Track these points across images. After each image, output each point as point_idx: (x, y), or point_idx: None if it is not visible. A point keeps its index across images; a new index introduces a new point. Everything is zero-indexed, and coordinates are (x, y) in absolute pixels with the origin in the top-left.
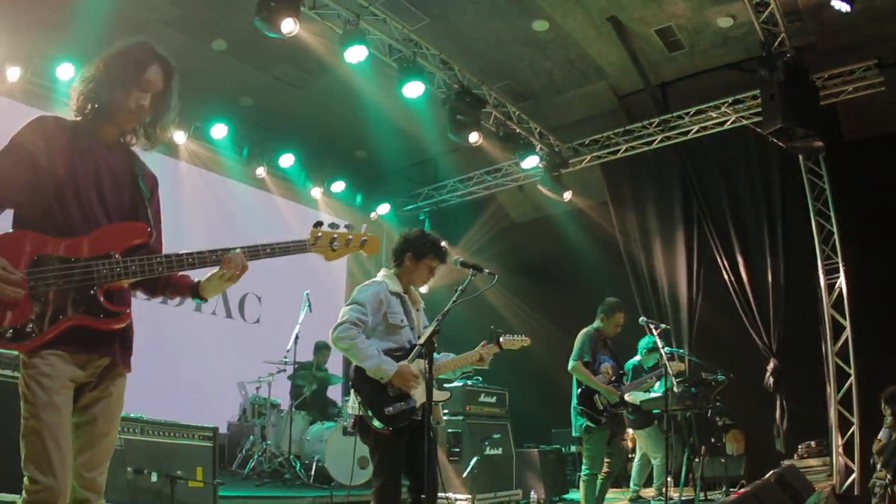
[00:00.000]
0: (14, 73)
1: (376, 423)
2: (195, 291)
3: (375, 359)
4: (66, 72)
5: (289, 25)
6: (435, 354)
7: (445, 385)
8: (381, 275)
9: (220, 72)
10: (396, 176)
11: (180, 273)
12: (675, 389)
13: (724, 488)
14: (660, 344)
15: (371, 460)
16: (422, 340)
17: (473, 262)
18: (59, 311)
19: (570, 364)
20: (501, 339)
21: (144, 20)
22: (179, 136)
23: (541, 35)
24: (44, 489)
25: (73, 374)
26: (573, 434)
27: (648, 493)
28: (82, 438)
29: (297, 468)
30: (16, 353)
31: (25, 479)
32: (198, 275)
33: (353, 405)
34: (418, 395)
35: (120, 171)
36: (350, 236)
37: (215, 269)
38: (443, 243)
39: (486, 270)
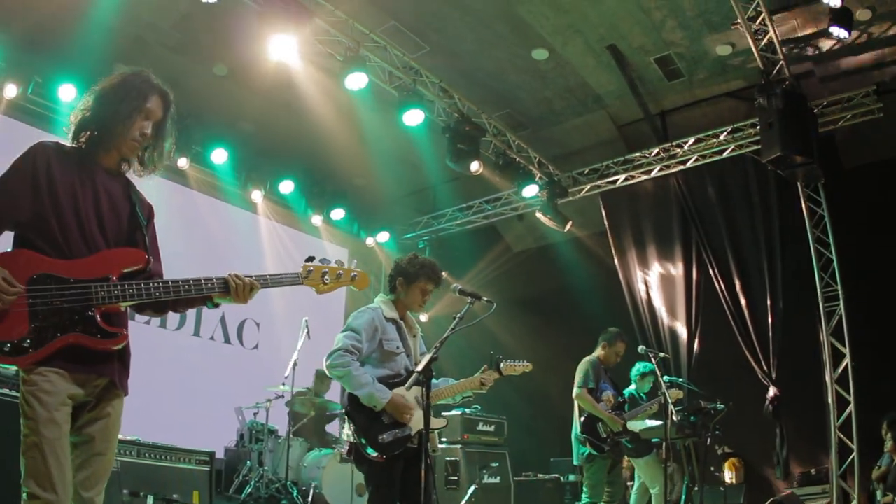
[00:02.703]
0: (11, 91)
1: (370, 451)
2: (208, 298)
3: (369, 387)
4: (67, 93)
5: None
6: (435, 380)
7: (444, 413)
8: (377, 301)
9: (220, 97)
10: (396, 204)
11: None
12: (675, 418)
13: None
14: (658, 372)
15: (366, 488)
16: (420, 368)
17: (472, 289)
18: (56, 329)
19: (575, 391)
20: (502, 365)
21: (146, 43)
22: (182, 162)
23: (540, 64)
24: None
25: (72, 392)
26: (574, 462)
27: None
28: (80, 458)
29: (295, 494)
30: (13, 369)
31: (24, 495)
32: None
33: (346, 433)
34: (414, 422)
35: (118, 198)
36: (340, 271)
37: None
38: (442, 272)
39: (485, 298)
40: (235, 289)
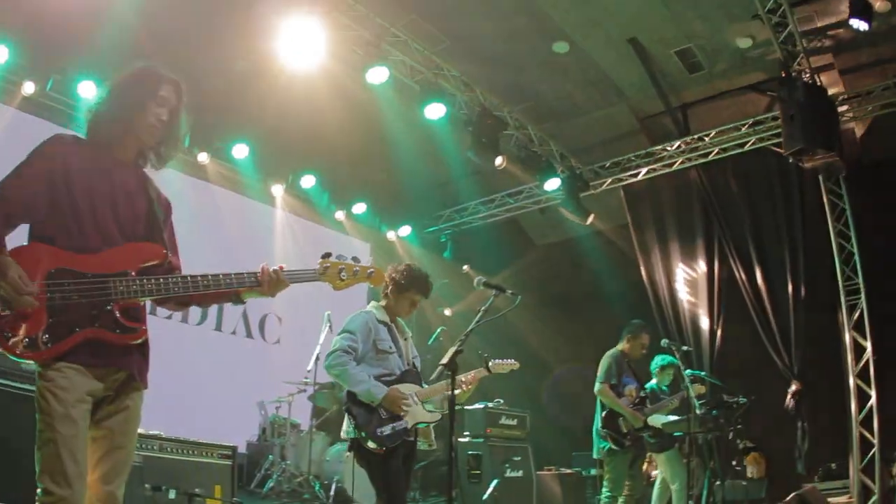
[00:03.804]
0: (29, 88)
1: (371, 443)
2: (235, 294)
3: (366, 383)
4: (87, 89)
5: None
6: (420, 385)
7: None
8: (370, 306)
9: (241, 92)
10: (418, 198)
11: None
12: (697, 412)
13: None
14: (681, 366)
15: (372, 483)
16: (444, 360)
17: (496, 282)
18: (74, 324)
19: (597, 386)
20: (490, 364)
21: (166, 39)
22: (202, 157)
23: (561, 57)
24: (59, 500)
25: (91, 388)
26: (594, 456)
27: None
28: (99, 452)
29: (317, 488)
30: (33, 365)
31: (39, 491)
32: None
33: (346, 429)
34: (410, 416)
35: (135, 193)
36: (357, 268)
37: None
38: (430, 286)
39: (509, 291)
40: (267, 282)
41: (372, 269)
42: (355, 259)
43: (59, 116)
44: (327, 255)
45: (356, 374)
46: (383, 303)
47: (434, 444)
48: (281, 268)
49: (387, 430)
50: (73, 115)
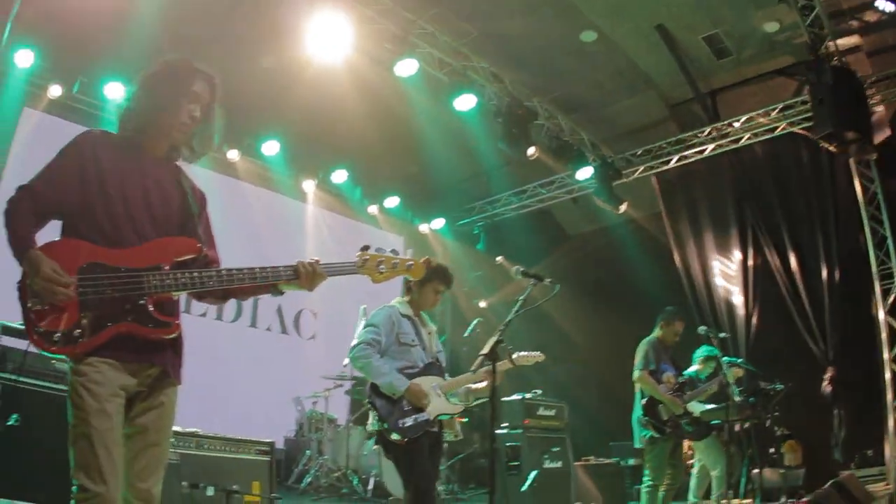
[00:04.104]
0: (56, 91)
1: (394, 435)
2: (273, 286)
3: (388, 376)
4: (114, 91)
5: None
6: (443, 377)
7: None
8: (395, 300)
9: (270, 89)
10: (450, 190)
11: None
12: (736, 398)
13: (783, 499)
14: (720, 354)
15: (399, 475)
16: (485, 351)
17: (534, 271)
18: (107, 319)
19: (635, 374)
20: (514, 356)
21: (194, 39)
22: (233, 154)
23: (589, 46)
24: (93, 496)
25: (125, 383)
26: (635, 445)
27: None
28: (134, 449)
29: (355, 483)
30: (66, 363)
31: (74, 488)
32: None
33: (371, 422)
34: (432, 408)
35: (168, 186)
36: (396, 260)
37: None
38: (452, 275)
39: (548, 280)
40: (305, 275)
41: (411, 262)
42: (394, 252)
43: (86, 118)
44: (366, 248)
45: (379, 366)
46: (407, 297)
47: (460, 434)
48: (316, 261)
49: (409, 421)
50: (100, 117)
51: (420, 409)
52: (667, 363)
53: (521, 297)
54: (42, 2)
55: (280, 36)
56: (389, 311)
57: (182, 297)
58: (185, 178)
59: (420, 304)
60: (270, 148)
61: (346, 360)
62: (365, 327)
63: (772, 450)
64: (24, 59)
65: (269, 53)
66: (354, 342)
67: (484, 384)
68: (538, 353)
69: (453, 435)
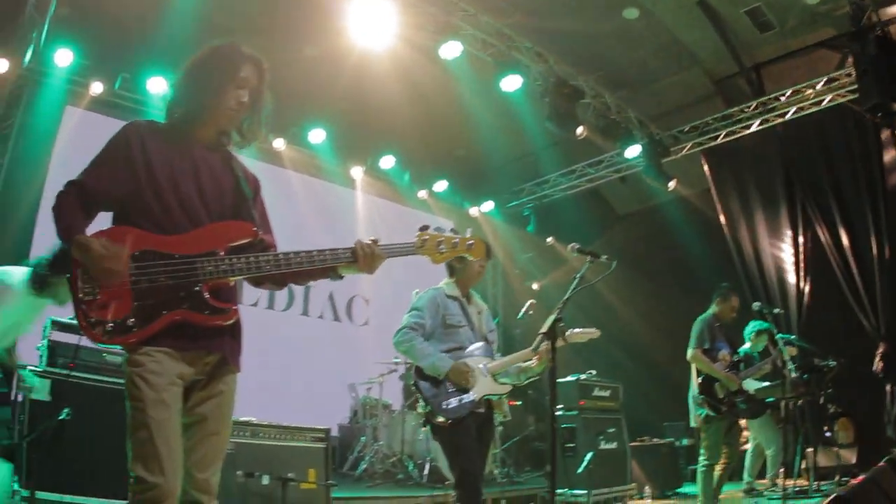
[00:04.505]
0: (97, 87)
1: (439, 417)
2: (333, 270)
3: (431, 357)
4: (157, 85)
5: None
6: (492, 358)
7: (559, 380)
8: (441, 283)
9: (314, 77)
10: (498, 172)
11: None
12: (792, 375)
13: (837, 478)
14: (773, 330)
15: (445, 455)
16: (544, 329)
17: (590, 249)
18: (162, 307)
19: (690, 352)
20: (567, 333)
21: (234, 28)
22: (279, 143)
23: (632, 23)
24: (151, 488)
25: (182, 371)
26: (691, 424)
27: (762, 484)
28: (193, 439)
29: (410, 468)
30: (119, 356)
31: (131, 479)
32: None
33: (420, 405)
34: (477, 388)
35: (219, 171)
36: (456, 240)
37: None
38: (490, 247)
39: (604, 257)
40: (363, 257)
41: (471, 241)
42: (454, 231)
43: (129, 114)
44: (425, 228)
45: (422, 348)
46: (452, 278)
47: (508, 415)
48: (374, 241)
49: (453, 402)
50: (143, 112)
51: (465, 390)
52: (722, 341)
53: (577, 275)
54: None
55: (322, 23)
56: (434, 293)
57: (238, 281)
58: (236, 163)
59: (466, 281)
60: (317, 136)
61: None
62: (409, 311)
63: (826, 427)
64: (64, 58)
65: (313, 42)
66: (399, 327)
67: (534, 362)
68: (593, 329)
69: (501, 415)
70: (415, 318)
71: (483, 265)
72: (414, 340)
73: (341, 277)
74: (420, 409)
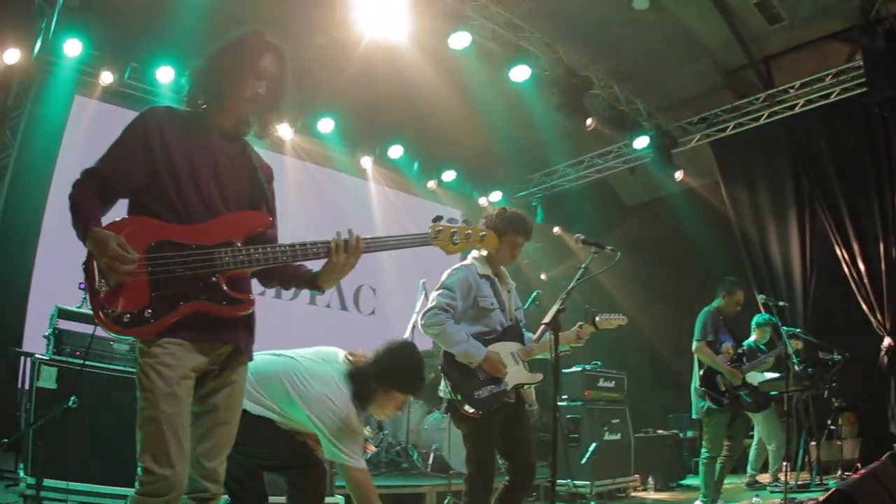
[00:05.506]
0: (107, 77)
1: (468, 407)
2: (312, 282)
3: (464, 344)
4: (166, 75)
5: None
6: (528, 334)
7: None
8: (470, 258)
9: (323, 66)
10: (507, 163)
11: (297, 264)
12: (796, 368)
13: (839, 472)
14: (778, 323)
15: (465, 445)
16: (547, 319)
17: (595, 239)
18: (179, 297)
19: (694, 344)
20: (597, 319)
21: (243, 18)
22: (286, 132)
23: (641, 14)
24: (160, 479)
25: (196, 363)
26: (693, 416)
27: (765, 478)
28: (203, 428)
29: (415, 457)
30: (134, 345)
31: (139, 470)
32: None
33: (443, 389)
34: (510, 377)
35: (237, 160)
36: (469, 231)
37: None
38: (530, 225)
39: (609, 248)
40: (334, 248)
41: (484, 232)
42: (466, 222)
43: (140, 104)
44: (438, 218)
45: (454, 333)
46: (484, 252)
47: (535, 404)
48: (351, 232)
49: (484, 392)
50: (154, 101)
51: (497, 380)
52: (725, 334)
53: (582, 266)
54: None
55: (331, 12)
56: (467, 272)
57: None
58: (252, 153)
59: (497, 259)
60: (325, 125)
61: (406, 336)
62: (438, 290)
63: (829, 421)
64: (73, 48)
65: (322, 31)
66: (428, 306)
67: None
68: (621, 315)
69: (528, 405)
70: (446, 299)
71: (518, 246)
72: (445, 324)
73: (322, 291)
74: (443, 394)
